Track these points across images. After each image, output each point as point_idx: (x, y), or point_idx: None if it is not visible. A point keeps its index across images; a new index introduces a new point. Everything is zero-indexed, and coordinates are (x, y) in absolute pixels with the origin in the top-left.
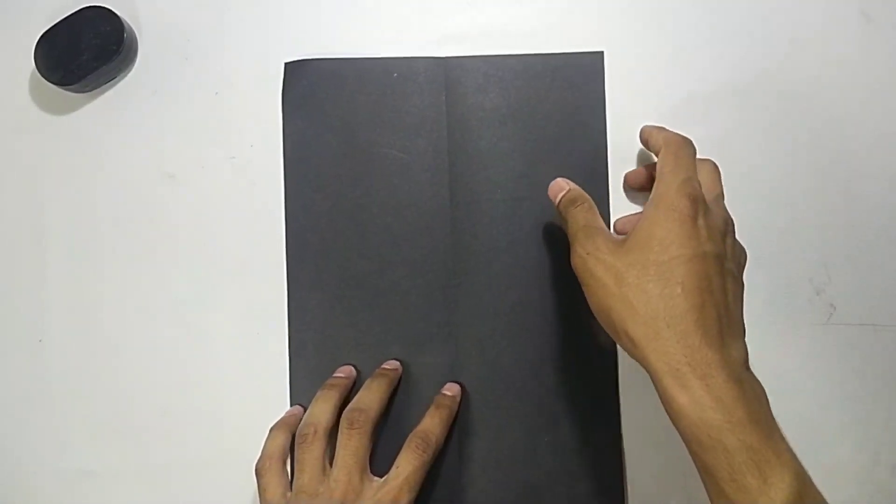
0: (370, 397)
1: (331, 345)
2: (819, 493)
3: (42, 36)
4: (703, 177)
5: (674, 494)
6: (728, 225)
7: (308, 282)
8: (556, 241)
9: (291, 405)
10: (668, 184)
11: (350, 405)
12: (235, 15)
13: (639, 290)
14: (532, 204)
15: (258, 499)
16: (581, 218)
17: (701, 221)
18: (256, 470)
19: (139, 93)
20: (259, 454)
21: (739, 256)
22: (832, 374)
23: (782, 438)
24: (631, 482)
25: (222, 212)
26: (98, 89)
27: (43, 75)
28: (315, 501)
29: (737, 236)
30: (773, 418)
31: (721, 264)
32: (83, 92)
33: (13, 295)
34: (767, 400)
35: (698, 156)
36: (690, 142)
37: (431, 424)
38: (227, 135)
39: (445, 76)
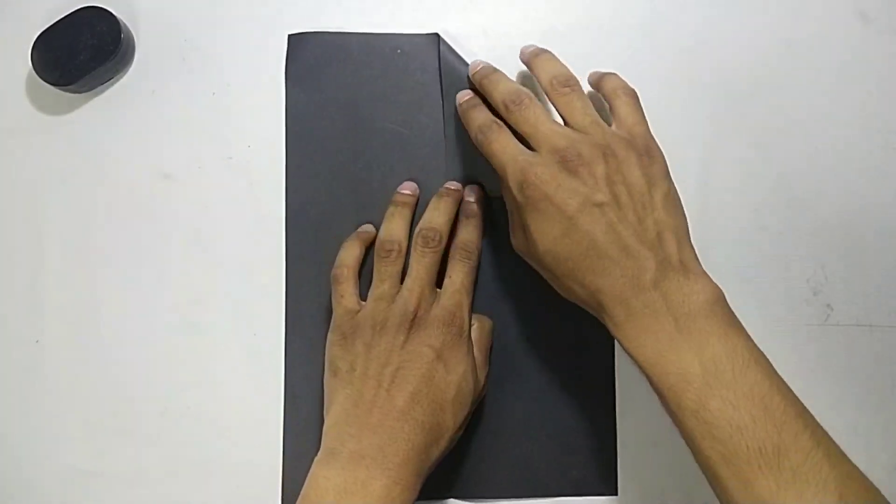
0: (440, 218)
1: (328, 318)
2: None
3: (39, 36)
4: (562, 109)
5: (667, 480)
6: (594, 155)
7: (307, 255)
8: None
9: (286, 384)
10: (504, 180)
11: (423, 224)
12: (233, 15)
13: (551, 281)
14: None
15: (333, 305)
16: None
17: (553, 193)
18: (334, 277)
19: (136, 93)
20: (336, 263)
21: (623, 165)
22: (829, 375)
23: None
24: (623, 464)
25: (220, 212)
26: (95, 90)
27: (40, 76)
28: (392, 308)
29: (732, 234)
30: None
31: (588, 215)
32: (80, 92)
33: (10, 296)
34: (702, 300)
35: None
36: (527, 94)
37: (468, 234)
38: (224, 135)
39: (448, 52)
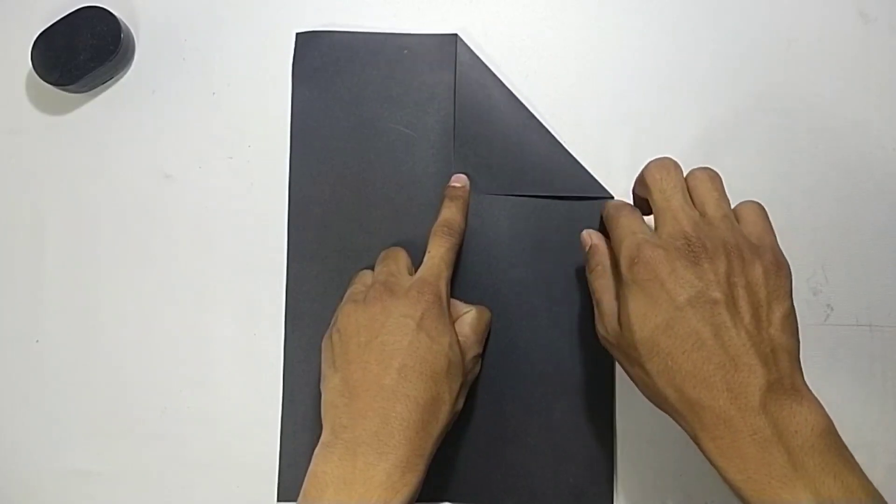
0: (458, 216)
1: (327, 316)
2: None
3: (39, 36)
4: (698, 193)
5: (666, 490)
6: (719, 250)
7: (308, 252)
8: (558, 224)
9: (285, 384)
10: (616, 254)
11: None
12: (232, 15)
13: (637, 379)
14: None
15: None
16: (596, 289)
17: (666, 278)
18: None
19: (136, 93)
20: None
21: (747, 268)
22: (829, 375)
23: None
24: (621, 473)
25: (220, 212)
26: (95, 89)
27: (40, 75)
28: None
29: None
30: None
31: (699, 310)
32: (80, 92)
33: (10, 295)
34: (817, 432)
35: (690, 166)
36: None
37: (450, 213)
38: (224, 135)
39: (455, 54)
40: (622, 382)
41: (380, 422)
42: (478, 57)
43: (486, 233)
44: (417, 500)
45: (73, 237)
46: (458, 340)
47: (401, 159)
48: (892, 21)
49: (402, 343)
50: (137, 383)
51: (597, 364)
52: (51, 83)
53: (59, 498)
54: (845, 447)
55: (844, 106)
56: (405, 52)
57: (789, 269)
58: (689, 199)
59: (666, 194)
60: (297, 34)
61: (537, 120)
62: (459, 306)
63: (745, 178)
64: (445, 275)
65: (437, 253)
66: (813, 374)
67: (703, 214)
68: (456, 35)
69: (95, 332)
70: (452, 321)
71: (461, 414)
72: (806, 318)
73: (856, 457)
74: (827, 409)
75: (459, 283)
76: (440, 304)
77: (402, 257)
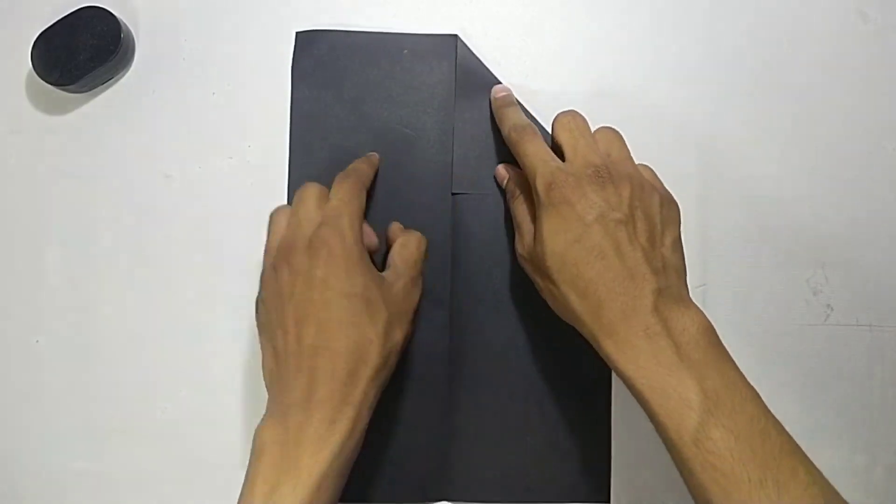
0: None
1: None
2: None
3: (39, 36)
4: (603, 142)
5: (661, 489)
6: (624, 178)
7: None
8: None
9: None
10: (531, 180)
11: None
12: (232, 15)
13: (546, 291)
14: None
15: None
16: (517, 214)
17: (577, 201)
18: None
19: (136, 93)
20: None
21: (646, 196)
22: (829, 375)
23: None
24: (617, 472)
25: (220, 212)
26: (95, 89)
27: (40, 75)
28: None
29: (733, 234)
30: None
31: (603, 227)
32: (80, 92)
33: (10, 295)
34: (701, 330)
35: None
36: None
37: (358, 163)
38: (224, 135)
39: (456, 54)
40: (620, 386)
41: (306, 381)
42: (478, 57)
43: (484, 232)
44: (418, 500)
45: (72, 237)
46: (374, 277)
47: (400, 159)
48: (892, 21)
49: (314, 298)
50: (137, 383)
51: (593, 363)
52: (51, 83)
53: (59, 498)
54: (727, 350)
55: (844, 105)
56: (405, 52)
57: (678, 207)
58: (596, 141)
59: (574, 133)
60: (297, 33)
61: (537, 120)
62: (395, 231)
63: (744, 178)
64: (347, 211)
65: (336, 195)
66: (813, 374)
67: (608, 156)
68: (456, 35)
69: (95, 333)
70: (365, 253)
71: (460, 412)
72: (806, 318)
73: (856, 457)
74: (825, 409)
75: (457, 283)
76: (342, 245)
77: (310, 195)
